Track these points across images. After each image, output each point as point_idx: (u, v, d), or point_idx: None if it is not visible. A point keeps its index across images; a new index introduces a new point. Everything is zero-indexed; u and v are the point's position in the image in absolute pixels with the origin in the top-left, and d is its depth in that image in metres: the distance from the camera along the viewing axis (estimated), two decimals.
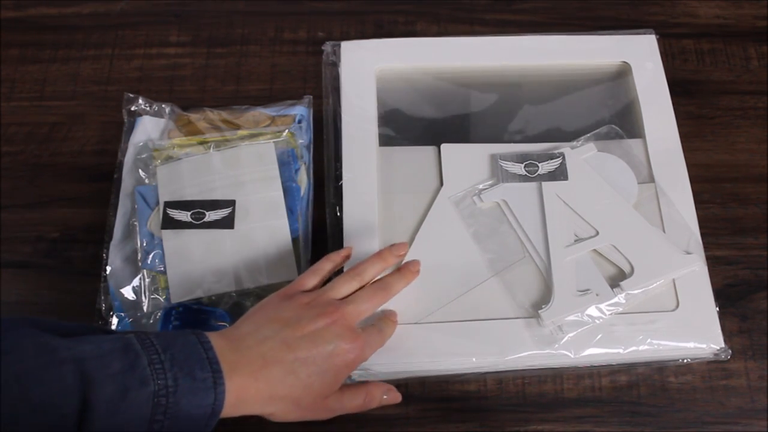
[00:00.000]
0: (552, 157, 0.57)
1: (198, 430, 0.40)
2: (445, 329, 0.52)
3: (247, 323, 0.46)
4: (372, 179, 0.57)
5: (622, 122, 0.61)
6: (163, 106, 0.62)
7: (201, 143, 0.60)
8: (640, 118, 0.60)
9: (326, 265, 0.51)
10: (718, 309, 0.53)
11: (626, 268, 0.53)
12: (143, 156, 0.60)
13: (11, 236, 0.59)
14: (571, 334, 0.51)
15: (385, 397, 0.50)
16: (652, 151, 0.59)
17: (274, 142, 0.59)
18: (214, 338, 0.42)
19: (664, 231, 0.55)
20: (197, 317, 0.54)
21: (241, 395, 0.41)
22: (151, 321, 0.54)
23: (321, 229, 0.58)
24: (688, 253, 0.54)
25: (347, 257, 0.53)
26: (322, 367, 0.45)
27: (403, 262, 0.53)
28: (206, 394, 0.39)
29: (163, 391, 0.38)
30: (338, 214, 0.57)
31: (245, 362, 0.42)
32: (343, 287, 0.49)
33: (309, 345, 0.44)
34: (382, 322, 0.51)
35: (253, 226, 0.56)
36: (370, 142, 0.59)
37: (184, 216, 0.56)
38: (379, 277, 0.52)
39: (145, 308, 0.55)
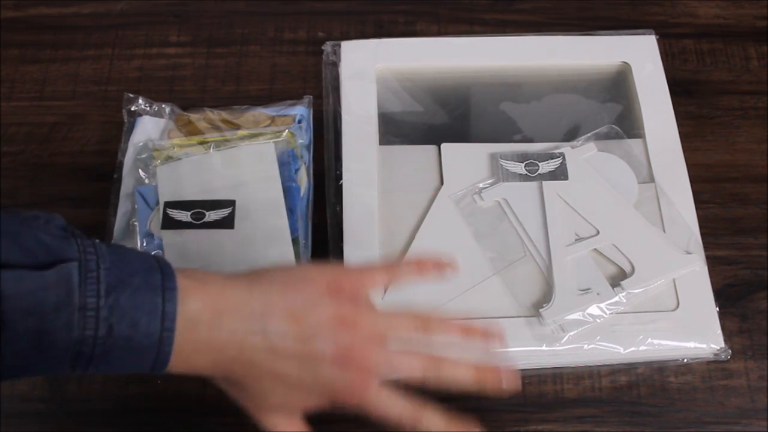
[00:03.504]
0: (552, 156, 0.57)
1: (133, 370, 0.35)
2: None
3: (254, 296, 0.37)
4: (372, 179, 0.57)
5: (622, 122, 0.61)
6: (163, 106, 0.62)
7: (201, 143, 0.60)
8: (640, 118, 0.60)
9: (408, 273, 0.43)
10: (718, 309, 0.53)
11: (627, 268, 0.53)
12: (143, 156, 0.60)
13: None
14: (571, 333, 0.51)
15: None
16: (652, 151, 0.59)
17: (274, 142, 0.59)
18: (195, 297, 0.35)
19: (664, 231, 0.55)
20: None
21: (189, 369, 0.37)
22: None
23: (321, 229, 0.58)
24: (688, 253, 0.54)
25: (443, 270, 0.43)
26: (292, 389, 0.38)
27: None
28: (146, 354, 0.34)
29: (89, 341, 0.32)
30: (338, 214, 0.57)
31: (216, 346, 0.36)
32: (400, 330, 0.39)
33: (299, 368, 0.37)
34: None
35: (253, 226, 0.56)
36: (370, 141, 0.59)
37: (184, 216, 0.56)
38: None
39: None
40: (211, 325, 0.36)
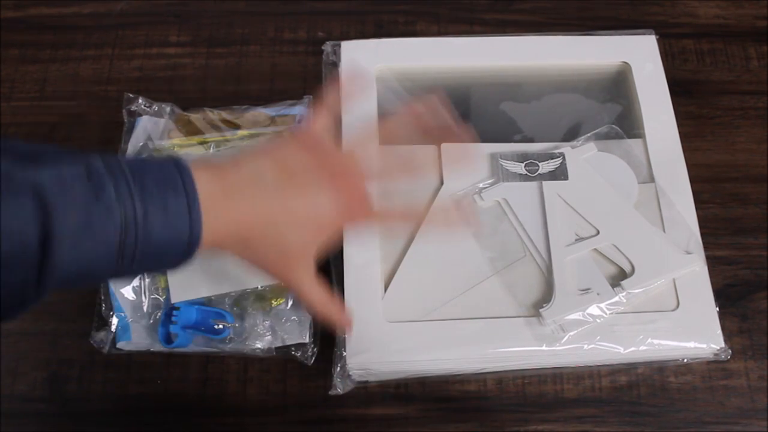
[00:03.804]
0: (552, 156, 0.57)
1: (175, 262, 0.38)
2: (445, 328, 0.52)
3: (249, 165, 0.42)
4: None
5: (622, 122, 0.61)
6: (163, 106, 0.62)
7: (201, 143, 0.60)
8: (640, 118, 0.60)
9: (332, 99, 0.48)
10: (718, 309, 0.53)
11: (627, 268, 0.53)
12: (143, 156, 0.60)
13: None
14: (571, 333, 0.51)
15: (341, 326, 0.49)
16: (652, 151, 0.59)
17: None
18: (203, 174, 0.39)
19: (664, 231, 0.55)
20: (197, 317, 0.54)
21: (218, 236, 0.40)
22: (151, 321, 0.54)
23: None
24: (688, 253, 0.54)
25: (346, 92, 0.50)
26: (305, 224, 0.43)
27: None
28: (180, 221, 0.37)
29: (132, 221, 0.35)
30: None
31: (234, 213, 0.40)
32: (368, 158, 0.47)
33: (300, 198, 0.42)
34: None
35: None
36: (371, 141, 0.59)
37: None
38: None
39: (145, 308, 0.55)
40: (221, 193, 0.39)
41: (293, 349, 0.54)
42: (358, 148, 0.50)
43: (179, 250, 0.38)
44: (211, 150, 0.59)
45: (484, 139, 0.60)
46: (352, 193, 0.45)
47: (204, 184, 0.38)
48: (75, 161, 0.35)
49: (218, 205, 0.39)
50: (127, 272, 0.37)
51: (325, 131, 0.47)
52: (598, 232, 0.54)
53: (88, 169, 0.35)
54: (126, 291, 0.55)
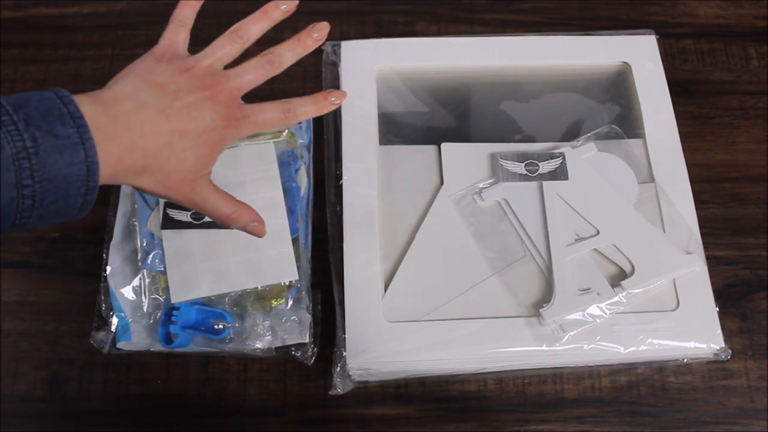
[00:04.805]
0: (552, 156, 0.57)
1: (79, 193, 0.37)
2: (445, 328, 0.52)
3: (121, 84, 0.42)
4: (372, 179, 0.57)
5: (622, 122, 0.61)
6: None
7: None
8: (640, 118, 0.60)
9: (187, 12, 0.49)
10: (718, 309, 0.53)
11: (627, 268, 0.53)
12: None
13: (11, 236, 0.59)
14: (571, 333, 0.51)
15: (253, 224, 0.48)
16: (652, 151, 0.59)
17: (274, 142, 0.59)
18: (83, 101, 0.38)
19: (664, 231, 0.55)
20: (197, 317, 0.54)
21: (118, 166, 0.39)
22: (151, 321, 0.54)
23: (321, 229, 0.58)
24: (688, 253, 0.54)
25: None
26: (197, 141, 0.43)
27: (332, 99, 0.49)
28: (74, 151, 0.36)
29: (23, 153, 0.34)
30: (338, 214, 0.57)
31: (123, 131, 0.39)
32: (221, 51, 0.47)
33: (187, 117, 0.42)
34: (273, 106, 0.47)
35: None
36: (370, 141, 0.59)
37: (184, 216, 0.56)
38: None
39: (145, 308, 0.55)
40: (108, 118, 0.39)
41: (293, 349, 0.54)
42: None
43: (80, 186, 0.37)
44: None
45: (484, 139, 0.60)
46: (227, 97, 0.45)
47: (90, 114, 0.37)
48: None
49: (110, 133, 0.38)
50: (34, 216, 0.36)
51: (182, 43, 0.48)
52: (598, 232, 0.55)
53: None
54: (126, 291, 0.55)
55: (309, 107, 0.48)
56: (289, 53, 0.48)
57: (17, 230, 0.37)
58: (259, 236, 0.48)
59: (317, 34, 0.50)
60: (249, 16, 0.49)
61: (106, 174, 0.38)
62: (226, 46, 0.47)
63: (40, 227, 0.59)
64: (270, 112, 0.47)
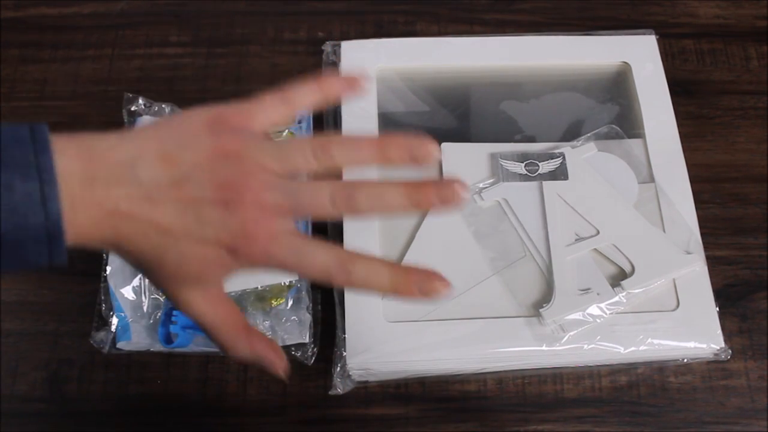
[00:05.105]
0: (552, 156, 0.57)
1: (41, 256, 0.31)
2: (445, 328, 0.52)
3: (129, 140, 0.33)
4: (372, 179, 0.57)
5: (622, 122, 0.61)
6: (163, 106, 0.62)
7: None
8: (640, 118, 0.60)
9: (305, 100, 0.37)
10: (718, 309, 0.53)
11: (627, 268, 0.53)
12: None
13: None
14: (571, 333, 0.51)
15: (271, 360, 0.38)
16: (652, 151, 0.59)
17: None
18: (66, 148, 0.31)
19: (664, 231, 0.55)
20: None
21: (86, 238, 0.32)
22: (151, 321, 0.54)
23: (321, 229, 0.58)
24: (688, 253, 0.54)
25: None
26: (183, 248, 0.32)
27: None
28: (32, 211, 0.29)
29: None
30: None
31: (93, 204, 0.31)
32: (304, 164, 0.34)
33: (176, 213, 0.32)
34: (327, 251, 0.33)
35: None
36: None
37: None
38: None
39: (145, 308, 0.55)
40: (83, 180, 0.31)
41: (293, 349, 0.54)
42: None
43: (40, 250, 0.30)
44: None
45: (484, 139, 0.60)
46: (256, 208, 0.32)
47: (64, 167, 0.30)
48: None
49: (78, 199, 0.31)
50: None
51: (265, 127, 0.36)
52: (598, 232, 0.54)
53: None
54: (126, 291, 0.55)
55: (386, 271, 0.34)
56: (372, 195, 0.35)
57: None
58: (276, 375, 0.37)
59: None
60: (346, 142, 0.36)
61: (75, 240, 0.31)
62: (309, 157, 0.34)
63: None
64: (322, 255, 0.33)
